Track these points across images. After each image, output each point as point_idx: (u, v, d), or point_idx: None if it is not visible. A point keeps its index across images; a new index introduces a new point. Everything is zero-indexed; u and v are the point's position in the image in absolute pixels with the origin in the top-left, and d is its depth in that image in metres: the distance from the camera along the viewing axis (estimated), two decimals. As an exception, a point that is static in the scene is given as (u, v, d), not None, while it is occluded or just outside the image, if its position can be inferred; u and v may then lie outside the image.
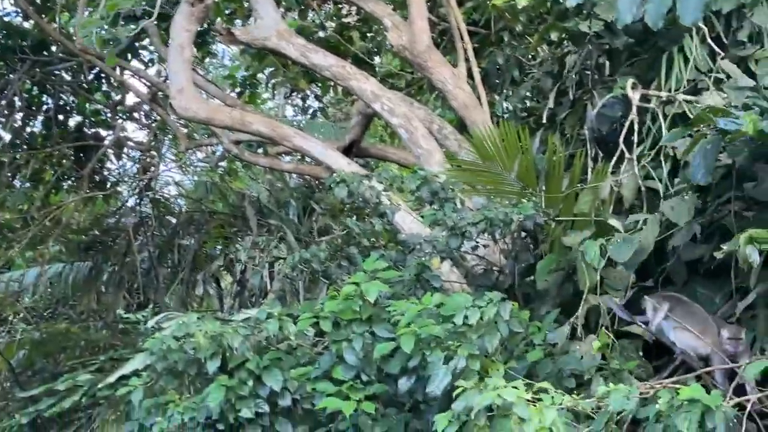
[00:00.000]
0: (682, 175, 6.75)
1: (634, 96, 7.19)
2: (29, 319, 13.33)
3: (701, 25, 7.21)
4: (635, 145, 7.04)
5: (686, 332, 6.07)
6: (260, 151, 11.95)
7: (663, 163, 6.93)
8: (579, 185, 7.28)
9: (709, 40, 7.33)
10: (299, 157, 11.81)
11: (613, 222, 6.61)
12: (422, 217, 7.33)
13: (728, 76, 7.13)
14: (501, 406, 4.93)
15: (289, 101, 15.29)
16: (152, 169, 13.78)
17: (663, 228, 6.52)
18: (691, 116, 6.62)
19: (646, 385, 5.30)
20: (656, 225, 6.51)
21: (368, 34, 12.62)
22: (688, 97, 7.09)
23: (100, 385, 7.97)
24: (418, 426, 5.97)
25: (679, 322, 6.12)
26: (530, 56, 10.61)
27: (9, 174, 13.90)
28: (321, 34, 12.45)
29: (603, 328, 6.12)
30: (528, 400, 4.96)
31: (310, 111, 14.72)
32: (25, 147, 13.63)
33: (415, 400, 5.94)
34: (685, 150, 6.37)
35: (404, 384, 5.79)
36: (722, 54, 7.24)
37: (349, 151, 10.62)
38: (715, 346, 5.90)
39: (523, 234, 7.58)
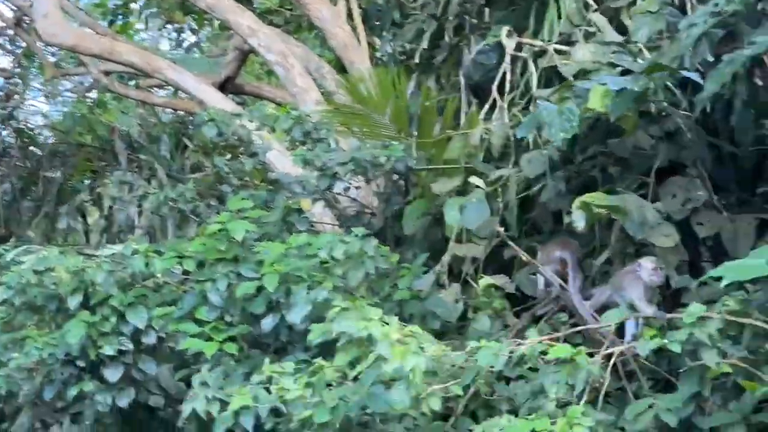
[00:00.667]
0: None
1: (509, 44, 7.15)
2: None
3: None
4: (507, 94, 7.03)
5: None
6: (132, 83, 11.55)
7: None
8: (452, 132, 7.27)
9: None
10: (173, 92, 11.46)
11: (474, 179, 6.55)
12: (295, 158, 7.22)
13: (599, 30, 7.12)
14: (364, 339, 4.86)
15: (164, 34, 14.76)
16: (16, 97, 13.11)
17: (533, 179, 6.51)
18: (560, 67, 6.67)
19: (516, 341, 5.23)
20: (515, 180, 6.50)
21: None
22: (561, 47, 7.08)
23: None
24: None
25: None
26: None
27: None
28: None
29: (467, 276, 6.17)
30: (396, 341, 4.87)
31: (185, 45, 14.30)
32: None
33: (280, 341, 5.89)
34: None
35: (268, 324, 5.73)
36: (595, 6, 7.21)
37: (224, 87, 10.41)
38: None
39: (396, 177, 7.52)
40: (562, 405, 4.79)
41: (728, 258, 6.03)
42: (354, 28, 9.70)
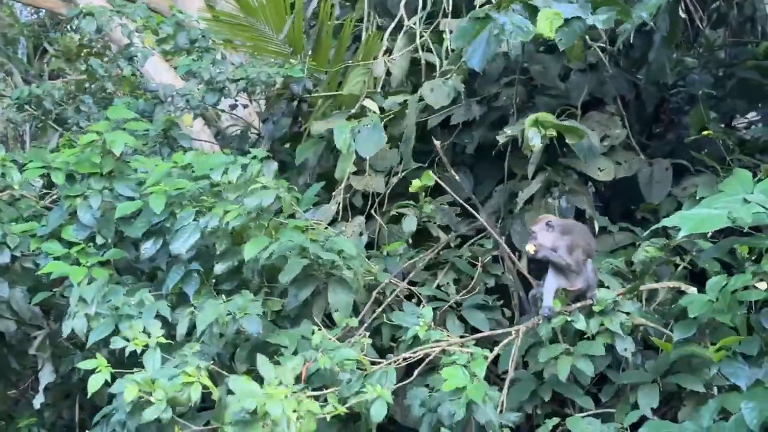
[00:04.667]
0: (452, 55, 6.30)
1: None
2: None
3: None
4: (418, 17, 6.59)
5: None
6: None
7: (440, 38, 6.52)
8: (350, 58, 6.85)
9: None
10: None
11: (368, 102, 6.19)
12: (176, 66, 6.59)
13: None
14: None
15: None
16: None
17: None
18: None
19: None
20: (416, 108, 6.10)
21: None
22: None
23: None
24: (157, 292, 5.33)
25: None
26: None
27: None
28: None
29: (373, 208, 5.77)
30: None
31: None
32: None
33: (156, 267, 5.32)
34: (463, 31, 5.53)
35: (149, 249, 5.16)
36: None
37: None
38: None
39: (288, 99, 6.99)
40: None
41: (623, 202, 5.92)
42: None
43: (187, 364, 4.25)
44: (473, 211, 5.44)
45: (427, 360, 4.58)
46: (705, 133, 5.51)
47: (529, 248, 4.65)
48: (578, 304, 4.70)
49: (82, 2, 8.12)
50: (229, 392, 4.10)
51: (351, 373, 4.39)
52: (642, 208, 5.81)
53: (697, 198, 5.14)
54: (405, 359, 4.58)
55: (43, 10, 11.06)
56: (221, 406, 4.20)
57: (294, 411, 3.96)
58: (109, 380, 4.28)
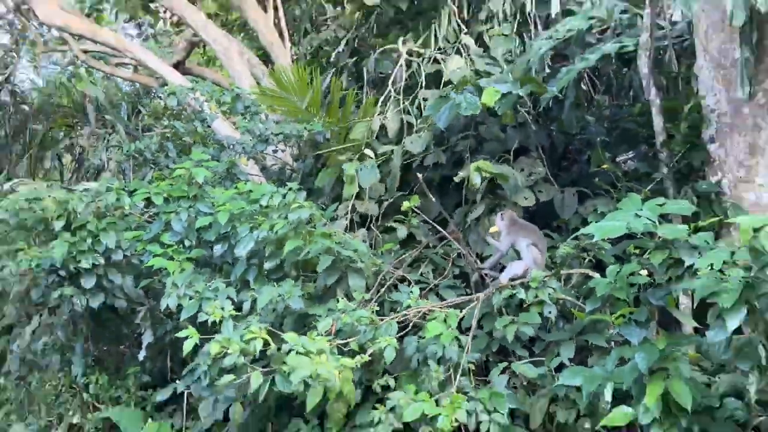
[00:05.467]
0: (424, 119, 6.28)
1: (403, 50, 6.64)
2: None
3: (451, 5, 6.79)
4: (401, 88, 6.55)
5: (536, 251, 4.79)
6: (100, 60, 10.38)
7: (418, 104, 6.48)
8: (353, 116, 6.75)
9: (456, 19, 6.90)
10: (133, 68, 10.32)
11: (367, 151, 6.17)
12: (238, 126, 6.51)
13: (467, 47, 6.73)
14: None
15: (126, 27, 13.44)
16: (11, 66, 11.67)
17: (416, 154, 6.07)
18: (442, 71, 6.24)
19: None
20: (400, 154, 6.09)
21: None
22: (439, 56, 6.64)
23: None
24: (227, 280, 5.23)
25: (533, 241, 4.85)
26: (318, 14, 9.69)
27: None
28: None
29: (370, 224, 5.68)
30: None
31: (143, 37, 13.04)
32: None
33: (225, 262, 5.22)
34: (434, 104, 5.67)
35: (218, 249, 5.09)
36: (465, 30, 6.81)
37: (176, 68, 9.40)
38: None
39: (311, 145, 6.92)
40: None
41: (544, 218, 5.85)
42: (280, 32, 8.90)
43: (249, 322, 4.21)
44: (439, 228, 5.34)
45: (415, 318, 4.53)
46: (604, 166, 5.47)
47: (493, 230, 4.82)
48: (519, 281, 4.66)
49: (169, 77, 8.06)
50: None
51: (366, 326, 4.33)
52: (558, 222, 5.74)
53: (599, 213, 5.14)
54: (403, 316, 4.52)
55: (138, 83, 10.90)
56: (278, 355, 4.12)
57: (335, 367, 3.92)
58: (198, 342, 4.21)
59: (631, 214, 3.89)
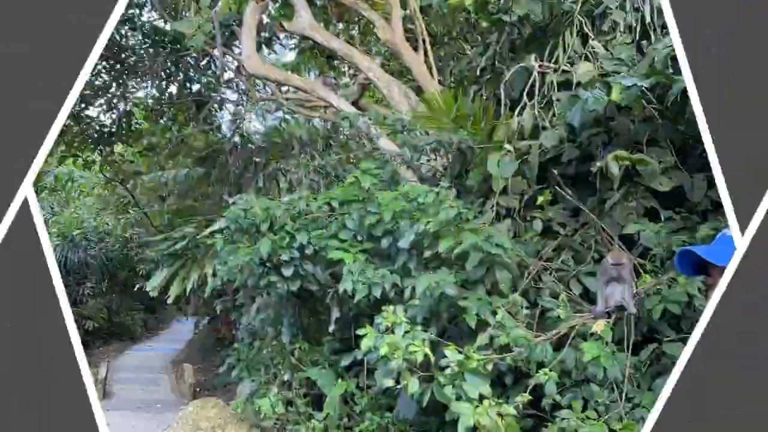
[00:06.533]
0: (558, 116, 5.27)
1: (535, 66, 5.64)
2: (165, 198, 11.93)
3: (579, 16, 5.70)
4: (535, 98, 5.55)
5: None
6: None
7: (552, 108, 5.47)
8: (498, 122, 5.78)
9: (584, 30, 5.77)
10: (324, 108, 10.09)
11: (507, 146, 5.19)
12: (398, 140, 5.89)
13: (595, 52, 5.60)
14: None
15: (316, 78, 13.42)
16: (239, 116, 12.03)
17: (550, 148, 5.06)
18: (571, 79, 5.18)
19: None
20: (537, 149, 5.08)
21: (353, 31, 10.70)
22: (567, 68, 5.57)
23: (199, 236, 6.69)
24: (391, 268, 4.61)
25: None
26: (459, 51, 8.83)
27: (156, 115, 12.21)
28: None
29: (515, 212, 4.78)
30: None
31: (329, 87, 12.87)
32: (164, 99, 11.80)
33: (391, 252, 4.60)
34: (565, 103, 4.84)
35: (385, 242, 4.48)
36: (593, 37, 5.68)
37: (353, 105, 9.00)
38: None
39: (459, 152, 6.10)
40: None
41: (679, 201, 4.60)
42: (429, 68, 8.19)
43: (414, 332, 3.52)
44: (588, 211, 4.34)
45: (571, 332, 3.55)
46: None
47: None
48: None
49: (345, 110, 7.64)
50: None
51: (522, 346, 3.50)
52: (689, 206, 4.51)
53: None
54: (555, 335, 3.59)
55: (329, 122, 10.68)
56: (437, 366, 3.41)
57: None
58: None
59: None
